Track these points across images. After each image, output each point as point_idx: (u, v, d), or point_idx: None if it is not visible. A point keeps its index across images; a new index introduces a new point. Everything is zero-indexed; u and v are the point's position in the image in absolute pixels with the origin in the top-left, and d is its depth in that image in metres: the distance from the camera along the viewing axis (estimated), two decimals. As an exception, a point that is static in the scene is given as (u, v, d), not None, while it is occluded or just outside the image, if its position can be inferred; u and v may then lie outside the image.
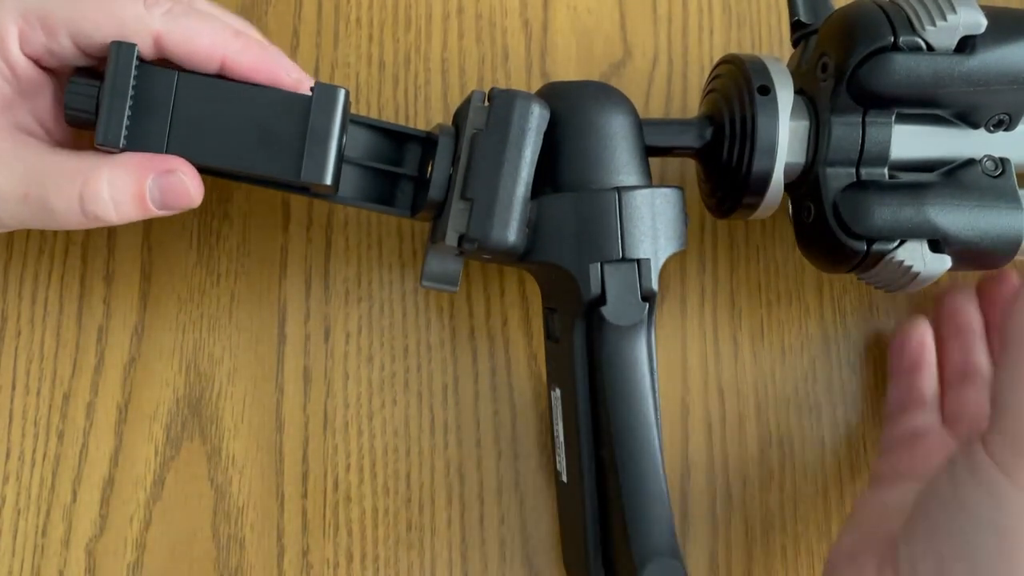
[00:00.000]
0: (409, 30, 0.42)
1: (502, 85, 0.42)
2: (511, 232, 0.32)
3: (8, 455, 0.36)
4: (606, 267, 0.32)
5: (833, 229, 0.33)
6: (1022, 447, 0.27)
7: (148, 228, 0.39)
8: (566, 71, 0.43)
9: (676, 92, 0.43)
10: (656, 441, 0.31)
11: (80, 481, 0.36)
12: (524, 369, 0.39)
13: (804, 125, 0.34)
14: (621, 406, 0.31)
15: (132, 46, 0.30)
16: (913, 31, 0.32)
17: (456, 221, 0.32)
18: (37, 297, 0.37)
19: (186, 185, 0.31)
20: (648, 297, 0.32)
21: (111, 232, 0.38)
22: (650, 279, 0.32)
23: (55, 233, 0.38)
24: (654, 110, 0.43)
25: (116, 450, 0.36)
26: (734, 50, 0.44)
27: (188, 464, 0.37)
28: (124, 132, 0.30)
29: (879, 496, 0.35)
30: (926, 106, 0.34)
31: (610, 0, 0.43)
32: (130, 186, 0.30)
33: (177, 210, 0.31)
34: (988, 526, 0.28)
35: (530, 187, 0.32)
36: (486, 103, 0.33)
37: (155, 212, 0.31)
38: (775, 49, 0.44)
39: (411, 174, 0.35)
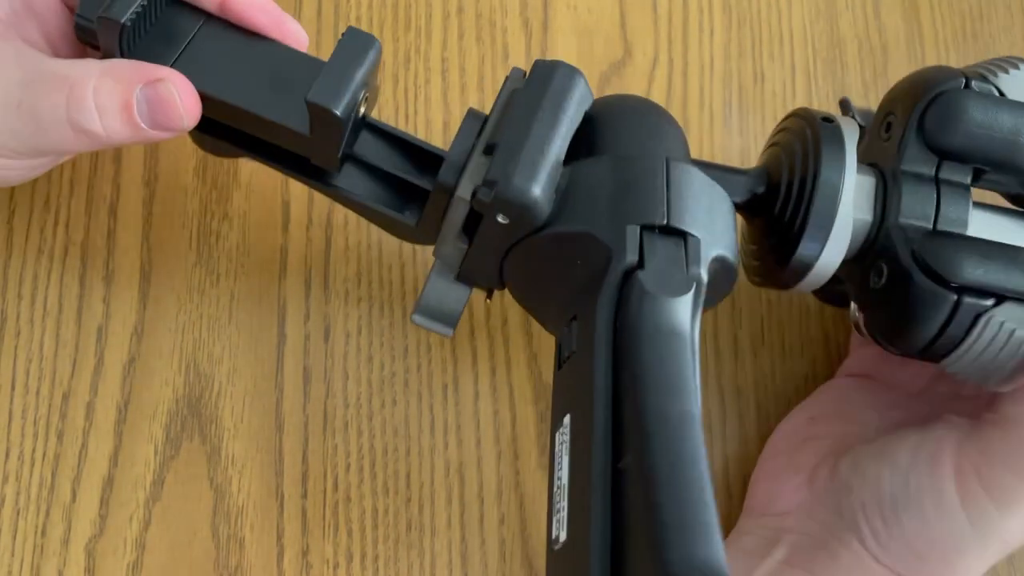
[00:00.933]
0: (409, 30, 0.42)
1: (502, 83, 0.42)
2: (537, 184, 0.27)
3: (7, 455, 0.36)
4: (646, 233, 0.26)
5: (916, 280, 0.28)
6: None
7: (147, 228, 0.39)
8: (566, 71, 0.43)
9: (676, 92, 0.43)
10: (700, 437, 0.23)
11: (79, 481, 0.36)
12: (524, 369, 0.39)
13: (871, 181, 0.31)
14: (656, 393, 0.23)
15: None
16: (985, 80, 0.30)
17: (474, 174, 0.28)
18: (36, 297, 0.37)
19: (175, 97, 0.28)
20: (695, 282, 0.26)
21: (111, 232, 0.38)
22: (698, 263, 0.26)
23: (54, 233, 0.38)
24: (654, 110, 0.43)
25: (116, 450, 0.36)
26: (735, 50, 0.44)
27: (188, 464, 0.36)
28: (131, 15, 0.28)
29: (848, 388, 0.37)
30: (1003, 167, 0.30)
31: (610, -1, 0.43)
32: (116, 95, 0.28)
33: (168, 130, 0.29)
34: (958, 533, 0.29)
35: (564, 149, 0.28)
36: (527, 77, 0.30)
37: (145, 131, 0.28)
38: (775, 48, 0.44)
39: (424, 187, 0.32)
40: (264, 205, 0.39)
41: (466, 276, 0.31)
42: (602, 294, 0.26)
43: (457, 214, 0.29)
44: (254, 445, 0.37)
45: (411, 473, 0.37)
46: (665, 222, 0.26)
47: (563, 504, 0.24)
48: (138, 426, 0.37)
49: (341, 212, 0.40)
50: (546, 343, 0.39)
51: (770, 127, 0.43)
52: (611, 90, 0.43)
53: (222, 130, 0.31)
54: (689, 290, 0.25)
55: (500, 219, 0.28)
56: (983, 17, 0.46)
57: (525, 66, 0.42)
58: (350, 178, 0.33)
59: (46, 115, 0.28)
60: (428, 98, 0.41)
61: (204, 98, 0.30)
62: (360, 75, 0.28)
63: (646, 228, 0.26)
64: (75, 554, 0.35)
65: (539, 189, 0.27)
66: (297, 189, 0.40)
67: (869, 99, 0.44)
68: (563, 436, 0.26)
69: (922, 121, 0.29)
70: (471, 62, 0.42)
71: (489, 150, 0.28)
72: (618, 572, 0.21)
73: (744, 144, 0.43)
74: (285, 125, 0.29)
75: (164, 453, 0.36)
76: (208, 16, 0.31)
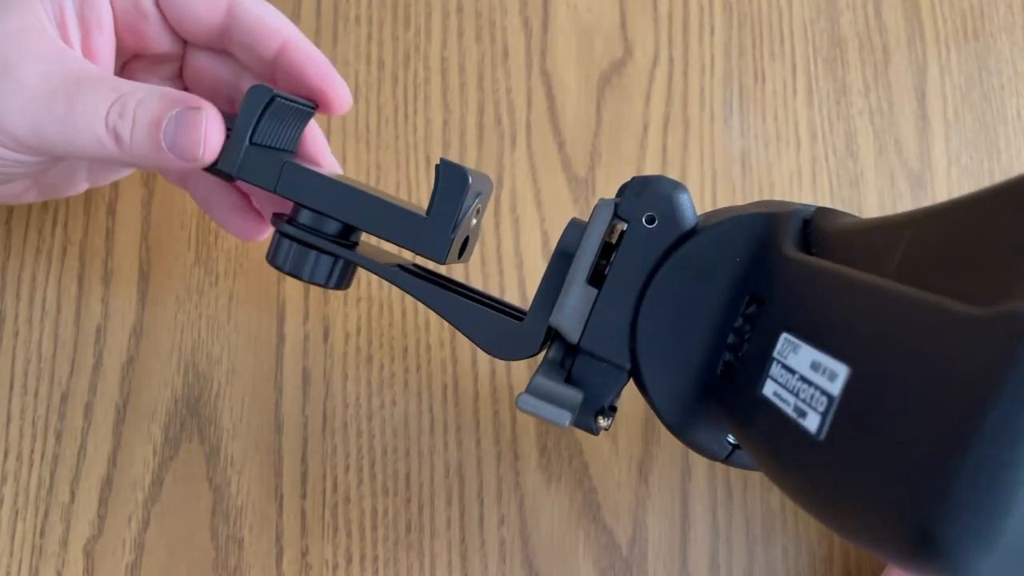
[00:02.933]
0: (408, 28, 0.42)
1: (501, 82, 0.42)
2: (683, 189, 0.28)
3: (6, 455, 0.36)
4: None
5: None
6: None
7: (146, 228, 0.38)
8: (566, 69, 0.42)
9: (676, 91, 0.43)
10: None
11: (78, 482, 0.36)
12: (524, 370, 0.39)
13: None
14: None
15: (268, 89, 0.29)
16: None
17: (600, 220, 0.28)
18: (35, 297, 0.37)
19: (201, 127, 0.28)
20: None
21: (109, 232, 0.38)
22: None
23: (53, 233, 0.38)
24: (655, 109, 0.42)
25: (114, 450, 0.36)
26: (735, 49, 0.44)
27: (187, 465, 0.36)
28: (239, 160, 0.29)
29: None
30: None
31: (610, -2, 0.43)
32: (153, 110, 0.28)
33: (183, 156, 0.29)
34: None
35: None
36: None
37: (165, 152, 0.28)
38: (775, 47, 0.44)
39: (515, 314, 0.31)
40: (263, 205, 0.39)
41: (588, 351, 0.28)
42: (785, 247, 0.25)
43: (591, 241, 0.28)
44: (253, 445, 0.37)
45: (411, 474, 0.37)
46: (814, 208, 0.27)
47: (819, 374, 0.21)
48: (137, 426, 0.36)
49: (340, 212, 0.40)
50: (546, 343, 0.39)
51: (771, 127, 0.43)
52: (611, 90, 0.43)
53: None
54: None
55: (646, 223, 0.27)
56: (984, 16, 0.46)
57: (524, 65, 0.42)
58: (449, 289, 0.31)
59: (84, 109, 0.28)
60: (428, 97, 0.41)
61: (322, 182, 0.29)
62: (480, 181, 0.29)
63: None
64: (74, 555, 0.35)
65: (685, 192, 0.27)
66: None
67: (870, 99, 0.44)
68: (785, 350, 0.23)
69: None
70: (471, 61, 0.42)
71: (619, 194, 0.28)
72: None
73: (745, 144, 0.43)
74: (402, 206, 0.29)
75: (163, 454, 0.36)
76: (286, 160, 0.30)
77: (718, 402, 0.26)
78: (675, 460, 0.38)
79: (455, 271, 0.39)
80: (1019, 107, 0.45)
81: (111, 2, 0.31)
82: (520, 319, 0.29)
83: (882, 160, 0.43)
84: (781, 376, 0.22)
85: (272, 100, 0.29)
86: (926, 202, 0.43)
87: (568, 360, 0.28)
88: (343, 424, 0.37)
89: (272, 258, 0.31)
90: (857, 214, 0.42)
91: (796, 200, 0.42)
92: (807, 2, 0.45)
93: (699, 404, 0.27)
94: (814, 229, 0.25)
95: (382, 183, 0.40)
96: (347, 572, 0.36)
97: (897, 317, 0.19)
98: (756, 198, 0.42)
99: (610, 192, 0.41)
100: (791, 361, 0.22)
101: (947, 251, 0.19)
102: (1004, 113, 0.44)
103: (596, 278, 0.28)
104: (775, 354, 0.23)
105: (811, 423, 0.20)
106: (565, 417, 0.26)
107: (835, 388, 0.20)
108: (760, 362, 0.23)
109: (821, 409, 0.20)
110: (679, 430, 0.28)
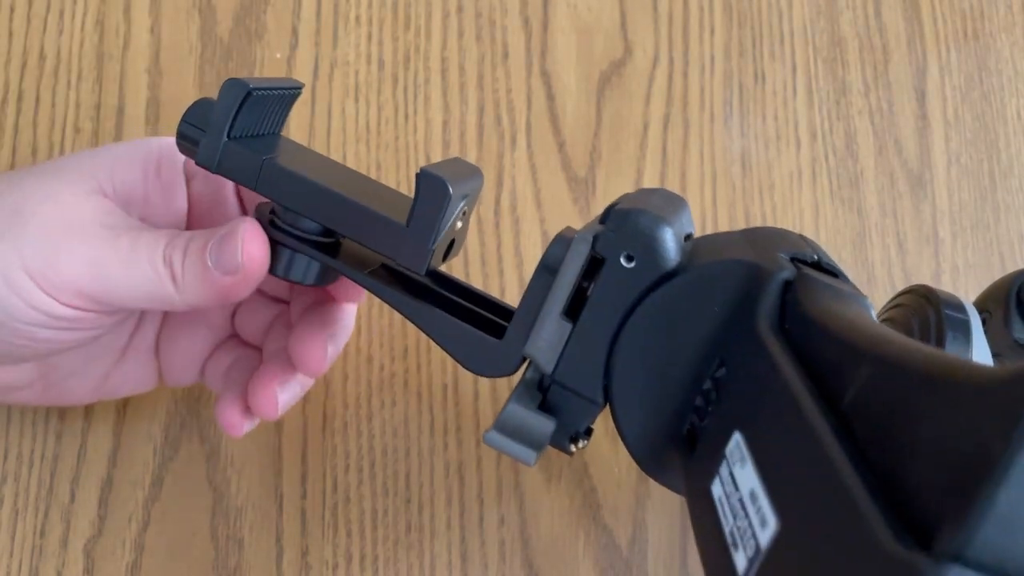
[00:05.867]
0: (408, 29, 0.42)
1: (501, 82, 0.42)
2: (666, 223, 0.26)
3: (6, 455, 0.36)
4: (796, 263, 0.26)
5: None
6: None
7: (146, 228, 0.38)
8: (566, 69, 0.42)
9: (676, 91, 0.43)
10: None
11: (78, 481, 0.36)
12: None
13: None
14: (873, 331, 0.21)
15: (244, 84, 0.28)
16: None
17: (583, 241, 0.27)
18: (35, 297, 0.37)
19: (237, 237, 0.28)
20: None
21: (109, 232, 0.38)
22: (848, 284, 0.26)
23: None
24: (655, 109, 0.42)
25: (114, 450, 0.36)
26: (735, 49, 0.44)
27: (187, 465, 0.36)
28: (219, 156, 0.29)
29: None
30: None
31: (610, -2, 0.43)
32: (202, 241, 0.29)
33: (227, 272, 0.28)
34: None
35: (685, 223, 0.28)
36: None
37: (212, 273, 0.28)
38: (775, 47, 0.44)
39: (500, 317, 0.31)
40: (263, 205, 0.39)
41: (561, 383, 0.28)
42: (759, 316, 0.24)
43: (567, 275, 0.27)
44: (253, 446, 0.37)
45: (411, 474, 0.37)
46: (816, 259, 0.26)
47: (754, 510, 0.21)
48: (137, 427, 0.36)
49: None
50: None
51: (771, 127, 0.43)
52: (611, 89, 0.43)
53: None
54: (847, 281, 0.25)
55: (624, 261, 0.26)
56: (984, 16, 0.46)
57: (524, 65, 0.42)
58: (431, 294, 0.31)
59: (145, 246, 0.28)
60: (428, 97, 0.41)
61: (302, 183, 0.29)
62: (466, 183, 0.28)
63: (796, 259, 0.25)
64: (74, 555, 0.35)
65: (668, 228, 0.26)
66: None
67: (870, 99, 0.44)
68: (735, 456, 0.23)
69: (1019, 297, 0.34)
70: (471, 60, 0.42)
71: (603, 218, 0.27)
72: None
73: (744, 144, 0.43)
74: (382, 213, 0.28)
75: (163, 454, 0.36)
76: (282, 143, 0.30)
77: (680, 461, 0.26)
78: (675, 460, 0.39)
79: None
80: (1019, 107, 0.45)
81: (187, 189, 0.32)
82: (502, 327, 0.29)
83: (882, 160, 0.43)
84: (727, 484, 0.22)
85: (248, 95, 0.28)
86: (926, 202, 0.43)
87: (546, 380, 0.28)
88: (343, 424, 0.37)
89: None
90: (857, 214, 0.42)
91: (795, 200, 0.42)
92: (807, 2, 0.45)
93: (667, 451, 0.27)
94: (793, 299, 0.24)
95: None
96: (347, 572, 0.36)
97: (833, 510, 0.18)
98: (756, 198, 0.42)
99: (609, 193, 0.41)
100: (737, 473, 0.22)
101: (898, 418, 0.18)
102: (1004, 113, 0.44)
103: (575, 305, 0.27)
104: (726, 452, 0.23)
105: (740, 562, 0.20)
106: (531, 456, 0.26)
107: (764, 538, 0.20)
108: (715, 452, 0.23)
109: (750, 553, 0.20)
110: (649, 469, 0.28)
